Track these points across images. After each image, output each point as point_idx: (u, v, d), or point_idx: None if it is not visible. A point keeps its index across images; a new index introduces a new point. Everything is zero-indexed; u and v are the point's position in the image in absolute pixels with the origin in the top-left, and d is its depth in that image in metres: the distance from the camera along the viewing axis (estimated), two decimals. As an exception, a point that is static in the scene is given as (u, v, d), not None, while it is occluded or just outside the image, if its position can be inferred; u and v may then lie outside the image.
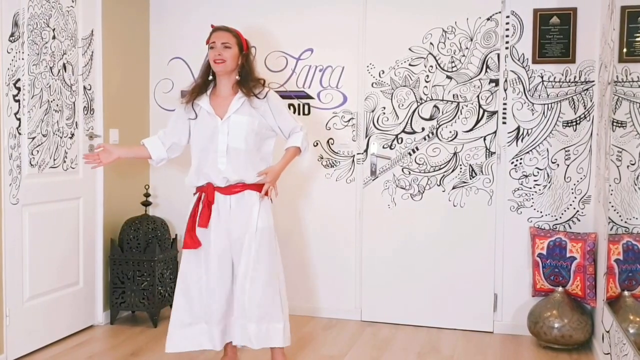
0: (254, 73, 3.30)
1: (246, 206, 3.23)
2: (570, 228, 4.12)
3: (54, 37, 3.84)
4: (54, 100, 3.86)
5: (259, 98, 3.24)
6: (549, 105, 4.13)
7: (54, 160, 3.89)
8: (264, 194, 3.26)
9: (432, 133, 4.31)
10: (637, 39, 3.26)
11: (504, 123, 4.20)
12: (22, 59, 3.61)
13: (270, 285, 3.23)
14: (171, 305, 4.44)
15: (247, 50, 3.28)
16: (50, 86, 3.83)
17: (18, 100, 3.59)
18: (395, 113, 4.37)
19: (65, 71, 3.96)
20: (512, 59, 4.17)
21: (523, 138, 4.18)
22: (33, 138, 3.71)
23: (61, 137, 3.94)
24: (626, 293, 3.24)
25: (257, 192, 3.25)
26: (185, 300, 3.28)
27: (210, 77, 3.31)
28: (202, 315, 3.26)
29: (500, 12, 4.18)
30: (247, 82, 3.25)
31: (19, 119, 3.60)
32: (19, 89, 3.59)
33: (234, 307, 3.26)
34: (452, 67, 4.26)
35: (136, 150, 3.43)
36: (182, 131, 3.33)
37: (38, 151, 3.75)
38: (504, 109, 4.20)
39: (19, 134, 3.61)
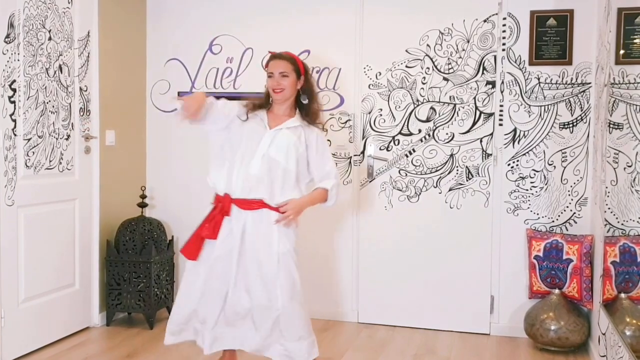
0: (316, 97, 3.25)
1: (265, 228, 3.10)
2: (567, 230, 4.11)
3: (50, 39, 3.83)
4: (49, 101, 3.85)
5: (314, 125, 3.19)
6: (546, 107, 4.13)
7: (50, 161, 3.88)
8: (280, 221, 3.09)
9: (429, 135, 4.31)
10: (634, 41, 3.26)
11: (501, 125, 4.20)
12: (18, 60, 3.60)
13: (300, 304, 3.16)
14: (167, 307, 4.46)
15: (304, 74, 3.22)
16: (46, 87, 3.82)
17: (14, 102, 3.58)
18: (392, 115, 4.36)
19: (62, 72, 3.95)
20: (509, 60, 4.16)
21: (519, 140, 4.17)
22: (29, 139, 3.70)
23: (57, 139, 3.93)
24: (622, 295, 3.24)
25: (276, 213, 3.11)
26: (184, 302, 3.21)
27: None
28: (198, 317, 3.20)
29: (496, 14, 4.18)
30: (310, 108, 3.20)
31: (14, 120, 3.59)
32: (14, 90, 3.58)
33: (261, 323, 3.13)
34: (449, 69, 4.26)
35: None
36: (226, 117, 3.16)
37: (34, 152, 3.74)
38: (501, 110, 4.20)
39: (15, 135, 3.60)
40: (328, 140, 4.46)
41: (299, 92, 3.23)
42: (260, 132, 3.15)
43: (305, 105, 3.23)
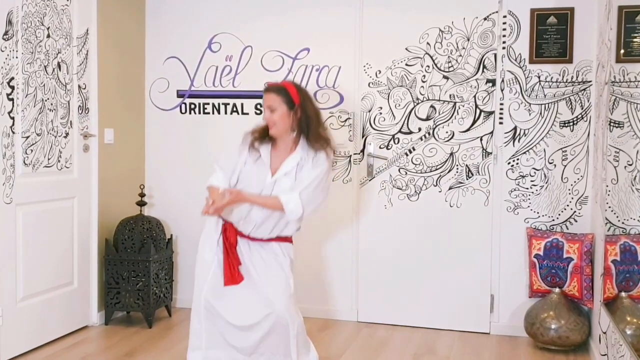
0: (318, 125, 3.05)
1: (271, 258, 3.14)
2: (567, 229, 4.10)
3: (48, 36, 3.82)
4: (48, 99, 3.84)
5: (321, 150, 3.02)
6: (546, 106, 4.12)
7: (48, 159, 3.86)
8: (208, 209, 2.93)
9: (429, 133, 4.30)
10: (635, 39, 3.25)
11: (501, 123, 4.19)
12: (16, 57, 3.58)
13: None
14: (166, 306, 4.45)
15: (299, 103, 2.99)
16: (44, 85, 3.80)
17: (12, 99, 3.57)
18: (392, 113, 4.35)
19: (60, 70, 3.94)
20: (509, 59, 4.15)
21: (520, 138, 4.16)
22: (27, 137, 3.68)
23: (55, 136, 3.92)
24: (623, 294, 3.23)
25: (283, 244, 3.15)
26: None
27: None
28: None
29: (497, 12, 4.16)
30: (311, 136, 3.02)
31: (12, 118, 3.58)
32: (12, 87, 3.56)
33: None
34: (449, 67, 4.25)
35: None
36: (234, 171, 3.11)
37: (32, 150, 3.72)
38: (501, 109, 4.18)
39: (13, 132, 3.59)
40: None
41: (299, 125, 3.02)
42: (262, 181, 3.04)
43: (308, 138, 3.03)
